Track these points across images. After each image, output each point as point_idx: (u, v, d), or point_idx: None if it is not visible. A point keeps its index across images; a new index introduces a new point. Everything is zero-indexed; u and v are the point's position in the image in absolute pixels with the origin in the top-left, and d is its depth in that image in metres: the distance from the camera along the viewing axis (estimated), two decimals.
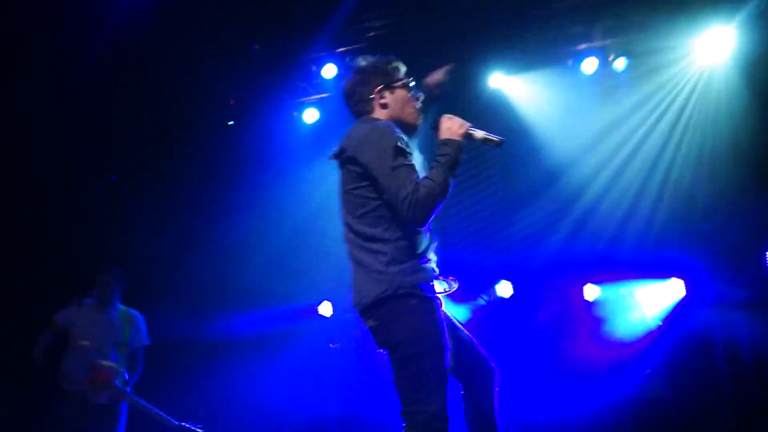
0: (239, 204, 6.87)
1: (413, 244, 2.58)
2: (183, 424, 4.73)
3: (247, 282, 6.69)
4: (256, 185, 6.91)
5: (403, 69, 2.83)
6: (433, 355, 2.47)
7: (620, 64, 6.13)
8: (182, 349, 6.40)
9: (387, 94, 2.74)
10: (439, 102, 2.96)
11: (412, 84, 2.82)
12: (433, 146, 2.66)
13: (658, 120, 6.25)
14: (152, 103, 6.52)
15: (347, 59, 6.60)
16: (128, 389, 4.93)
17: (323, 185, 6.56)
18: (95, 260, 5.41)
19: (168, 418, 4.80)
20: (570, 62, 6.26)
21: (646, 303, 5.92)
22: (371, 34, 6.36)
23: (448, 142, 2.60)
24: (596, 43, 6.14)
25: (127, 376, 4.95)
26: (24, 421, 5.77)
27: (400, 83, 2.77)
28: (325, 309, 6.79)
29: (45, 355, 4.85)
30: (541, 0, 5.99)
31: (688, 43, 5.90)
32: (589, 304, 6.06)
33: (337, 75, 6.62)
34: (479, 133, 2.66)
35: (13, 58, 5.75)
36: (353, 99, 2.80)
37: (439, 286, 2.64)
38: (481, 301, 6.08)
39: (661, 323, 5.79)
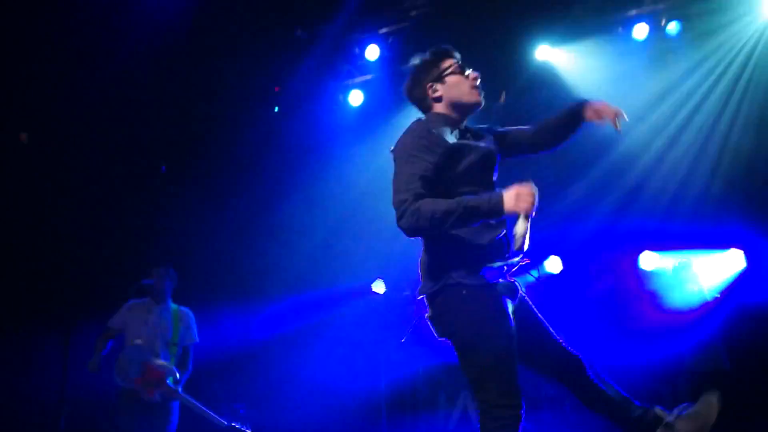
0: (287, 190, 6.94)
1: (470, 237, 2.55)
2: (233, 424, 4.75)
3: (298, 267, 6.77)
4: (303, 170, 6.96)
5: (450, 54, 2.80)
6: (487, 346, 2.45)
7: (673, 28, 5.93)
8: (236, 341, 6.42)
9: (438, 86, 2.75)
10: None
11: (460, 64, 2.78)
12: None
13: (715, 84, 6.01)
14: (198, 93, 6.60)
15: (389, 40, 6.64)
16: (179, 388, 4.94)
17: (371, 166, 6.59)
18: (146, 255, 5.48)
19: (218, 418, 4.81)
20: (620, 29, 6.08)
21: (703, 275, 5.73)
22: (413, 13, 6.30)
23: (496, 201, 2.41)
24: (647, 8, 5.96)
25: (178, 375, 4.96)
26: None
27: (448, 70, 2.76)
28: (379, 287, 6.87)
29: (101, 364, 4.93)
30: None
31: (746, 1, 5.63)
32: (643, 277, 5.91)
33: (380, 56, 6.60)
34: (521, 227, 2.39)
35: (59, 43, 5.79)
36: (414, 102, 2.86)
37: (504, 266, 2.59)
38: (530, 278, 6.00)
39: (718, 296, 5.60)
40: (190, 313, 5.22)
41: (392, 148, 2.65)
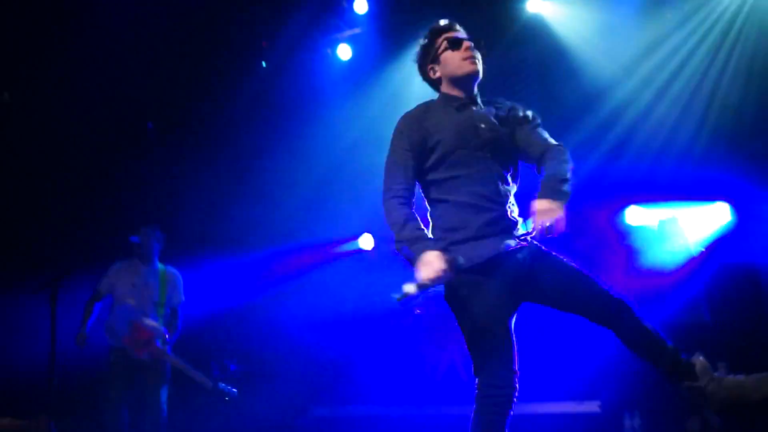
0: (275, 145, 6.91)
1: (456, 218, 2.59)
2: (219, 385, 4.81)
3: (287, 222, 6.79)
4: (291, 125, 6.92)
5: (442, 30, 2.79)
6: (469, 329, 2.53)
7: None
8: (225, 297, 6.43)
9: (436, 67, 2.79)
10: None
11: (453, 37, 2.76)
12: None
13: (705, 35, 5.91)
14: (184, 48, 6.52)
15: None
16: (168, 348, 4.99)
17: (359, 120, 6.56)
18: (132, 211, 5.46)
19: (205, 378, 4.86)
20: None
21: (688, 228, 5.75)
22: None
23: (416, 255, 2.43)
24: None
25: (168, 336, 5.01)
26: None
27: (440, 48, 2.76)
28: (366, 242, 6.81)
29: (88, 333, 4.98)
30: None
31: None
32: (627, 231, 5.92)
33: (368, 10, 6.51)
34: (411, 288, 2.34)
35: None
36: (431, 87, 2.87)
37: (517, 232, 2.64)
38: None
39: (703, 250, 5.62)
40: (178, 274, 5.25)
41: None
